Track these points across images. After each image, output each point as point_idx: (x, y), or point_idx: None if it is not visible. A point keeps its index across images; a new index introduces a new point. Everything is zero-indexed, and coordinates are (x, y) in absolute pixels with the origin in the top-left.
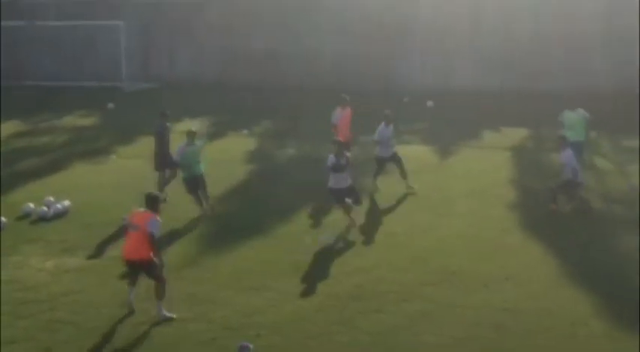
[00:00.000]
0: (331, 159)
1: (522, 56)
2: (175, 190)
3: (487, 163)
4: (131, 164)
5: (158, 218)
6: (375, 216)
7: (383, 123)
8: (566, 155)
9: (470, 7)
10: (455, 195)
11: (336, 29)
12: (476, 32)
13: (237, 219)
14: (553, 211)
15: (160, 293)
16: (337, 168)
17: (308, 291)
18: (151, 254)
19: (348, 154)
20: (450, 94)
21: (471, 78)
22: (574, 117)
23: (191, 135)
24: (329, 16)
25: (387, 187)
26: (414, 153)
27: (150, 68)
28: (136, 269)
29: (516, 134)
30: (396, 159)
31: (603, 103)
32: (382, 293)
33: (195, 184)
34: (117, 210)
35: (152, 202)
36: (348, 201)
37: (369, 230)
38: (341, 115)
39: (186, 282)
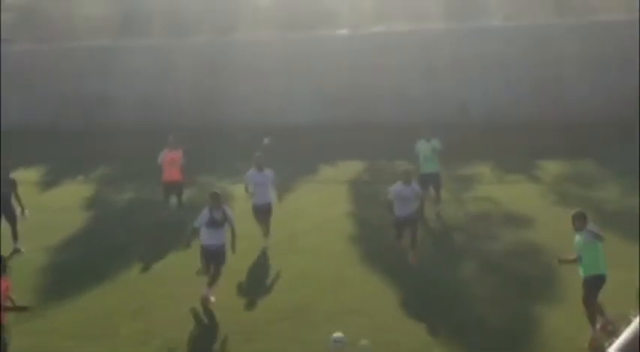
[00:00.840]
0: (205, 214)
1: (354, 90)
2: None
3: (325, 198)
4: None
5: None
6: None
7: (253, 169)
8: (414, 188)
9: (297, 43)
10: (296, 231)
11: (167, 70)
12: (304, 68)
13: (76, 267)
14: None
15: None
16: (212, 224)
17: (150, 336)
18: None
19: (227, 208)
20: (285, 130)
21: (305, 113)
22: (429, 147)
23: None
24: (158, 58)
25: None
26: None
27: None
28: None
29: (352, 167)
30: (268, 211)
31: (435, 133)
32: (227, 334)
33: None
34: None
35: None
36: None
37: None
38: (165, 156)
39: (28, 335)
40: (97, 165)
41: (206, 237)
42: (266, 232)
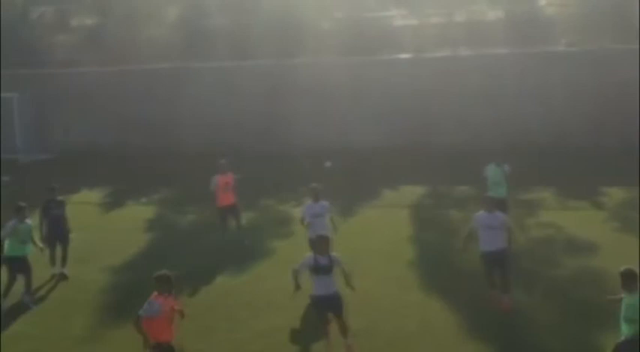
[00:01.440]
0: (309, 259)
1: (417, 114)
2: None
3: (387, 221)
4: None
5: (154, 300)
6: (276, 280)
7: (310, 201)
8: (499, 216)
9: (359, 67)
10: (356, 254)
11: (230, 93)
12: (366, 92)
13: (138, 288)
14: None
15: None
16: (317, 270)
17: None
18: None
19: (334, 254)
20: (345, 154)
21: (367, 137)
22: (498, 171)
23: (21, 211)
24: (221, 80)
25: (289, 249)
26: None
27: (45, 139)
28: None
29: (414, 191)
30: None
31: (491, 158)
32: None
33: (20, 266)
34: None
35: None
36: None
37: (269, 292)
38: (219, 181)
39: None
40: (160, 187)
41: (315, 286)
42: None
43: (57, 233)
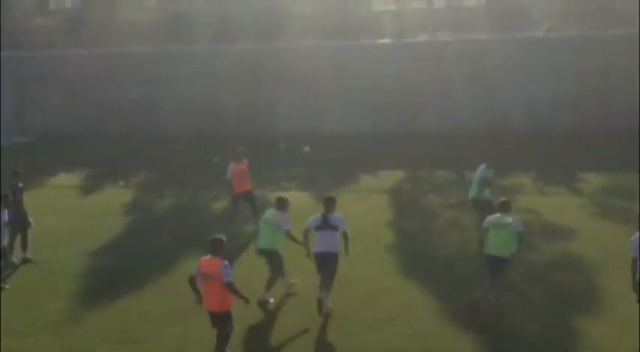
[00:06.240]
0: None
1: (397, 99)
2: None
3: (365, 206)
4: None
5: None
6: (253, 262)
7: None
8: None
9: (340, 52)
10: None
11: (210, 77)
12: (347, 77)
13: (114, 272)
14: None
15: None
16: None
17: (188, 341)
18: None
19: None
20: (325, 139)
21: (347, 121)
22: (474, 174)
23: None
24: (202, 64)
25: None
26: (291, 199)
27: (24, 122)
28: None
29: (393, 176)
30: None
31: (471, 144)
32: (262, 340)
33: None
34: None
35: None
36: None
37: (246, 277)
38: (236, 170)
39: (66, 338)
40: (138, 171)
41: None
42: None
43: (17, 219)
